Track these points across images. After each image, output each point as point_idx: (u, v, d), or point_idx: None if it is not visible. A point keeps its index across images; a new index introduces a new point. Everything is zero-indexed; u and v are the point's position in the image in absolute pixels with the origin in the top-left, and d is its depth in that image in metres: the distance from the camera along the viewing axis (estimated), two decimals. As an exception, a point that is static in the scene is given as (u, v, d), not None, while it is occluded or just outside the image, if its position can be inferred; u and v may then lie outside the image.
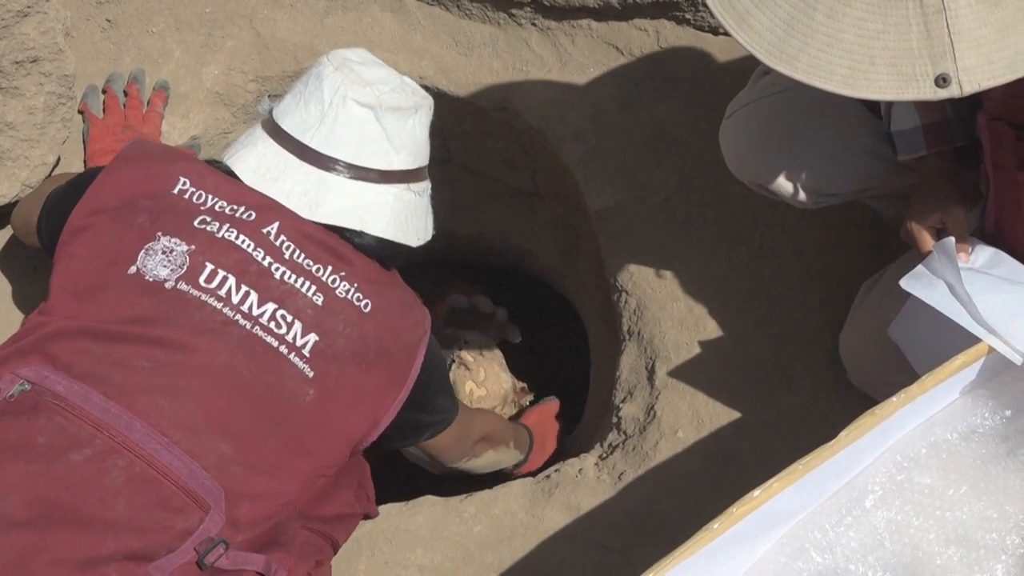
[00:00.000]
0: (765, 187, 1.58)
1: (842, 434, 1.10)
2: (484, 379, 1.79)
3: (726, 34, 1.08)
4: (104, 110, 1.87)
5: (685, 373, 1.70)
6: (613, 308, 1.87)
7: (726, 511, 1.03)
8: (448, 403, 1.49)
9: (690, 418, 1.66)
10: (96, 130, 1.82)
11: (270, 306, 1.23)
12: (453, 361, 1.81)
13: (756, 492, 1.05)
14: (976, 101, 1.31)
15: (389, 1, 2.02)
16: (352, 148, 1.31)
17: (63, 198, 1.37)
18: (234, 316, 1.22)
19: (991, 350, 1.21)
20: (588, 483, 1.64)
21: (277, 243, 1.27)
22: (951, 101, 1.19)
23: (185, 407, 1.18)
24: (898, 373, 1.38)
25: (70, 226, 1.29)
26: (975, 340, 1.21)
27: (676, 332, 1.74)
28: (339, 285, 1.28)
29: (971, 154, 1.40)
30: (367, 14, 2.01)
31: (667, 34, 1.93)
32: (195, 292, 1.23)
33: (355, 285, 1.29)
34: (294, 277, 1.26)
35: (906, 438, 1.22)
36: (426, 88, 1.98)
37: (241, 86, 1.98)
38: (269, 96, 1.38)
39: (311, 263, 1.27)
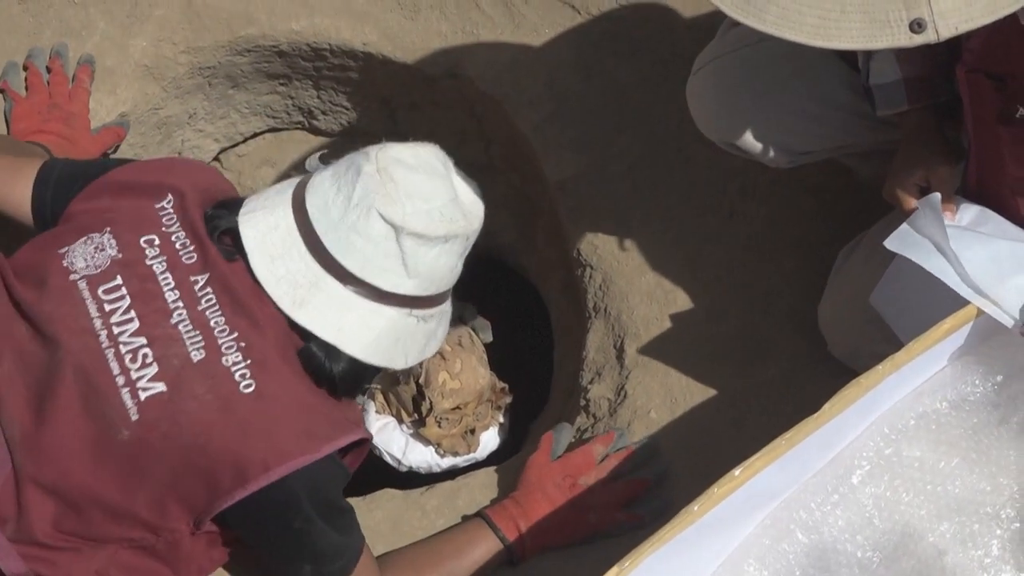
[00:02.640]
0: (736, 146, 1.56)
1: (826, 407, 1.08)
2: (460, 371, 1.70)
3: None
4: (27, 88, 1.83)
5: (656, 350, 1.67)
6: (577, 284, 1.85)
7: (706, 492, 1.01)
8: (335, 544, 1.29)
9: (663, 397, 1.63)
10: (20, 109, 1.79)
11: (139, 340, 1.24)
12: None
13: (737, 471, 1.02)
14: (955, 53, 1.28)
15: (328, -39, 1.98)
16: (361, 261, 1.25)
17: (85, 173, 1.41)
18: (99, 330, 1.24)
19: (979, 313, 1.20)
20: (556, 469, 1.57)
21: (198, 292, 1.27)
22: (931, 53, 1.13)
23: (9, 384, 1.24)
24: (881, 342, 1.36)
25: (79, 199, 1.35)
26: (962, 305, 1.19)
27: (645, 307, 1.72)
28: (231, 354, 1.23)
29: (953, 109, 1.37)
30: (305, -24, 1.95)
31: (626, -10, 1.94)
32: (87, 294, 1.26)
33: (248, 362, 1.23)
34: (189, 328, 1.25)
35: (893, 409, 1.20)
36: (369, 56, 1.93)
37: (172, 58, 1.93)
38: (320, 156, 1.34)
39: (220, 323, 1.25)
